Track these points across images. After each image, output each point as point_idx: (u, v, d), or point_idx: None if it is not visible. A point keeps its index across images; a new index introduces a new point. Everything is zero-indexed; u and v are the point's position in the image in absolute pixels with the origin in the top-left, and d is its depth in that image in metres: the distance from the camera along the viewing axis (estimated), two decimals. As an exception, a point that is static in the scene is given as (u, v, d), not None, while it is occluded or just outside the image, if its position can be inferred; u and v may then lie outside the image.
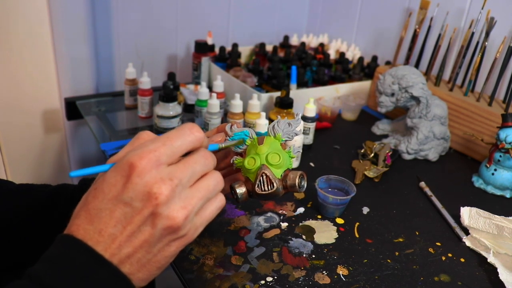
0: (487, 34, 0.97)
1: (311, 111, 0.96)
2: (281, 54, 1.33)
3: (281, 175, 0.51)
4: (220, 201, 0.42)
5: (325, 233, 0.70)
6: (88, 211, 0.37)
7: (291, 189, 0.51)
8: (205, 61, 1.22)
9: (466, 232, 0.72)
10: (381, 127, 1.07)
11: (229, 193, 0.53)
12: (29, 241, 0.54)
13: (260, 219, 0.72)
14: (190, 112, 1.09)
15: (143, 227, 0.36)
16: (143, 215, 0.36)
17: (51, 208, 0.55)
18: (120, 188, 0.36)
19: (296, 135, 0.54)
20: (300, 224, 0.72)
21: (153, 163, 0.36)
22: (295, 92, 1.05)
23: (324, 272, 0.62)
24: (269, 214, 0.73)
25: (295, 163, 0.88)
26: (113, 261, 0.36)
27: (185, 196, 0.38)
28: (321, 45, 1.39)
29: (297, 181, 0.51)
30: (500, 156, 0.84)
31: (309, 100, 0.96)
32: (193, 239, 0.40)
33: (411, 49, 1.17)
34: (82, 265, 0.35)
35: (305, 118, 0.96)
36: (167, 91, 0.97)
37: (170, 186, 0.36)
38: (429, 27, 1.13)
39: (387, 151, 0.91)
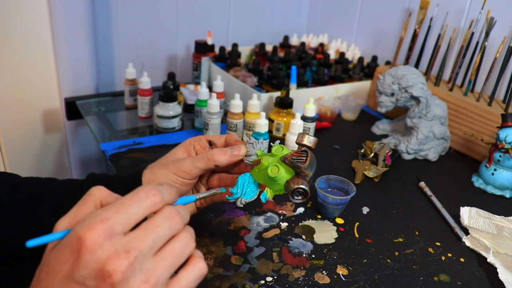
0: (487, 34, 0.97)
1: (311, 111, 0.96)
2: (281, 54, 1.33)
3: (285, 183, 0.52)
4: (199, 270, 0.37)
5: (325, 233, 0.70)
6: None
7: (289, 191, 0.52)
8: (205, 61, 1.22)
9: (466, 232, 0.72)
10: (381, 127, 1.07)
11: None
12: (34, 235, 0.54)
13: (260, 219, 0.72)
14: (190, 112, 1.09)
15: None
16: None
17: (57, 202, 0.54)
18: (70, 266, 0.32)
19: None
20: (300, 224, 0.72)
21: (105, 234, 0.32)
22: (295, 92, 1.05)
23: (324, 272, 0.62)
24: (269, 214, 0.73)
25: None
26: None
27: (146, 268, 0.33)
28: (321, 45, 1.39)
29: (295, 186, 0.50)
30: (500, 156, 0.84)
31: (309, 100, 0.96)
32: None
33: (411, 49, 1.17)
34: None
35: (305, 118, 0.96)
36: (167, 91, 0.97)
37: (127, 260, 0.32)
38: (429, 27, 1.13)
39: (387, 151, 0.91)
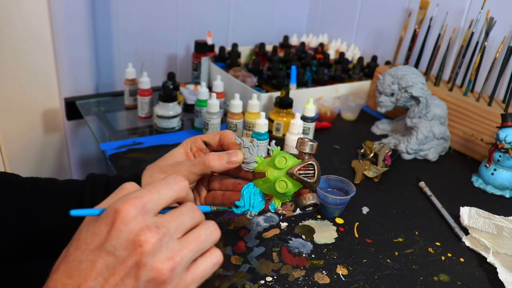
0: (487, 34, 0.98)
1: (311, 111, 0.96)
2: (281, 54, 1.33)
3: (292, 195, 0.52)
4: (216, 257, 0.39)
5: (325, 233, 0.70)
6: (68, 264, 0.34)
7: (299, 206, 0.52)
8: (205, 61, 1.22)
9: (466, 232, 0.72)
10: (380, 127, 1.07)
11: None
12: (34, 234, 0.54)
13: (260, 219, 0.72)
14: (190, 112, 1.09)
15: (127, 279, 0.34)
16: (126, 266, 0.34)
17: (57, 202, 0.54)
18: (103, 237, 0.34)
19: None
20: (300, 224, 0.72)
21: (139, 209, 0.35)
22: (294, 92, 1.05)
23: (323, 272, 0.62)
24: (268, 214, 0.73)
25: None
26: None
27: (172, 247, 0.35)
28: (321, 45, 1.39)
29: (307, 202, 0.51)
30: (500, 156, 0.84)
31: (309, 100, 0.96)
32: None
33: (410, 49, 1.17)
34: None
35: (304, 118, 0.96)
36: (167, 91, 0.97)
37: (157, 234, 0.34)
38: (429, 27, 1.13)
39: (387, 151, 0.91)
